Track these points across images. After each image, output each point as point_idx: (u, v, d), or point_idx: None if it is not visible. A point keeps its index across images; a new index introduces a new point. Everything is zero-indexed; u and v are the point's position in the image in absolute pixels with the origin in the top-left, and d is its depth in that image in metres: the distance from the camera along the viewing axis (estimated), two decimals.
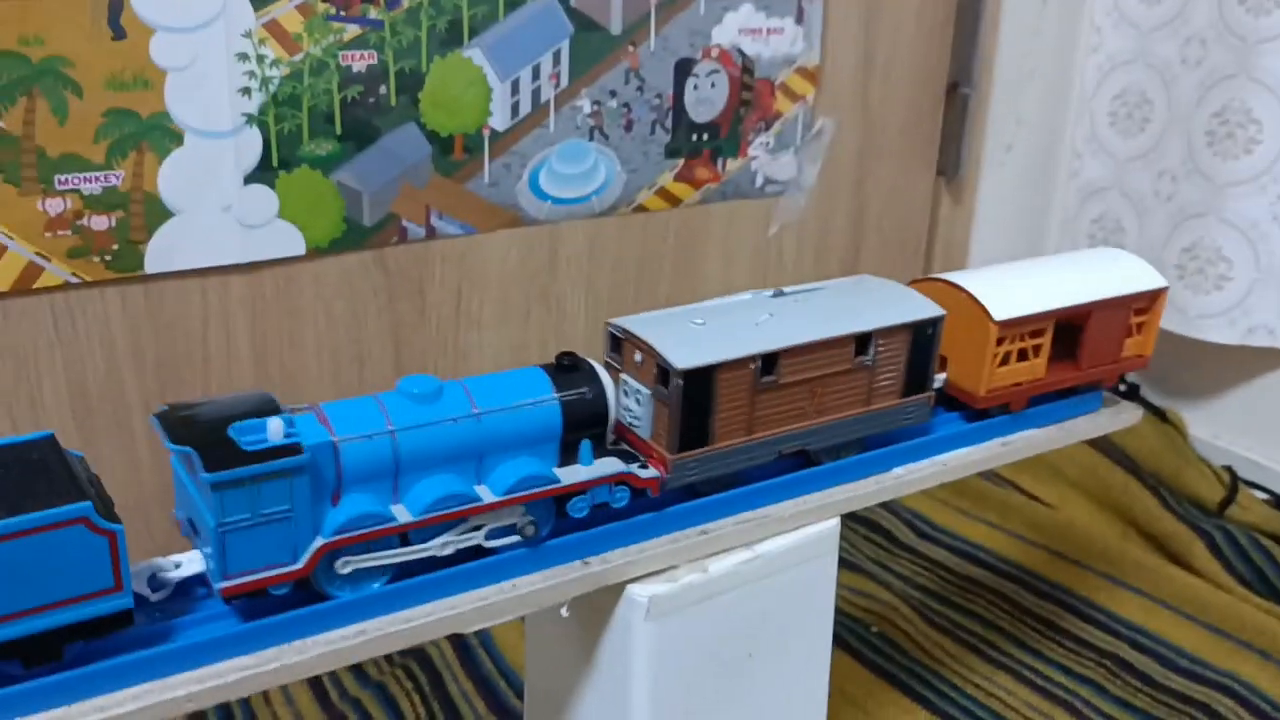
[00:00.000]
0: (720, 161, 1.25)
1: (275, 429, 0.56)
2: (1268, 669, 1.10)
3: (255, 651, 0.58)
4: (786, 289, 0.77)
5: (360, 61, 1.02)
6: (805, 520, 0.73)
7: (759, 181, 1.29)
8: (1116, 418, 0.89)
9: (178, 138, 0.96)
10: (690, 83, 1.20)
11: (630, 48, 1.16)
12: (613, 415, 0.67)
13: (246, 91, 0.98)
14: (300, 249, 1.05)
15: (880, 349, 0.74)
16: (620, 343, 0.71)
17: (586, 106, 1.15)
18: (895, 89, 1.36)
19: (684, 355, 0.66)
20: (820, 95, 1.30)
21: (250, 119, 0.99)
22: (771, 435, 0.71)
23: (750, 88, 1.24)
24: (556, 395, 0.64)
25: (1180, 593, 1.20)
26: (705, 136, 1.23)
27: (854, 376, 0.74)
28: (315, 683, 1.05)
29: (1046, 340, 0.81)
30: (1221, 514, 1.33)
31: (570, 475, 0.64)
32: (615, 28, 1.14)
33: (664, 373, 0.67)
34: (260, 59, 0.98)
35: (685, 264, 1.27)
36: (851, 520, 1.34)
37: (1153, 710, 1.04)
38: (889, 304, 0.76)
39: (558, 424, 0.64)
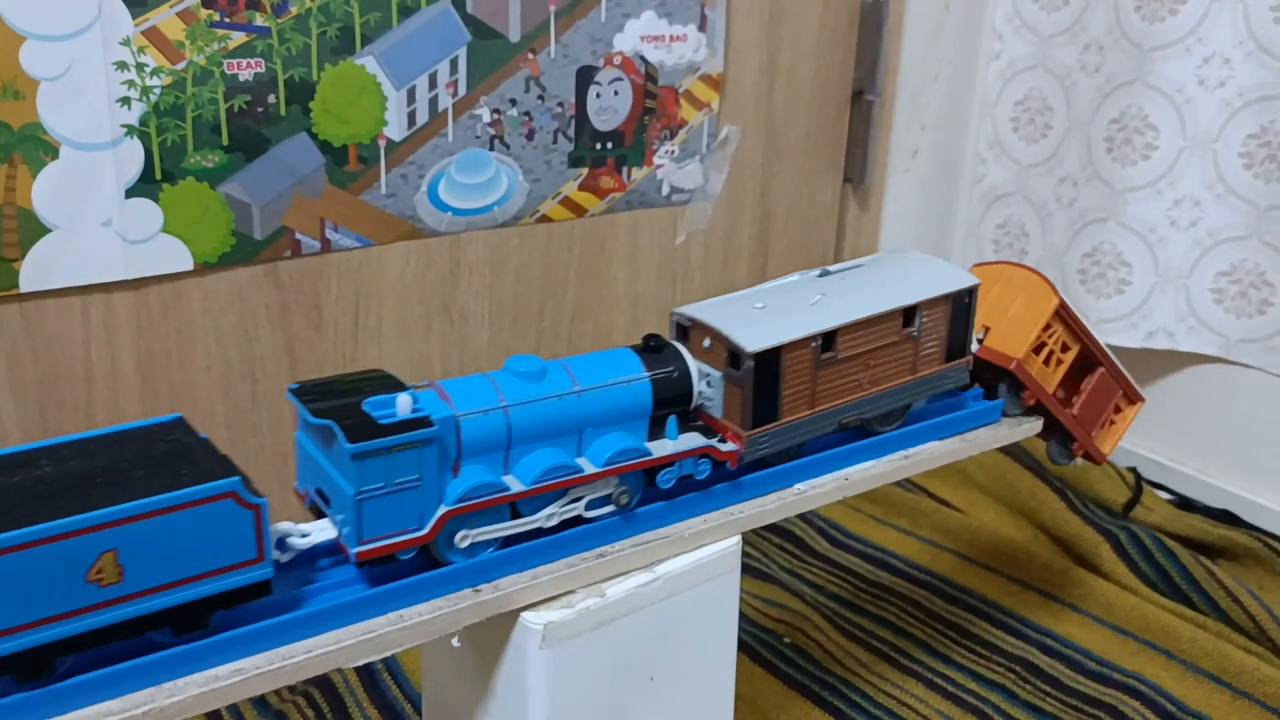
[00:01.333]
0: (625, 170, 1.24)
1: (404, 404, 0.60)
2: (1172, 669, 1.11)
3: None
4: (830, 268, 0.83)
5: (247, 70, 0.99)
6: (706, 539, 0.72)
7: (665, 190, 1.27)
8: (1017, 429, 0.89)
9: (52, 150, 0.92)
10: (592, 91, 1.19)
11: (530, 55, 1.13)
12: (695, 392, 0.71)
13: (126, 101, 0.94)
14: (187, 264, 1.01)
15: (924, 319, 0.81)
16: (687, 331, 0.75)
17: (486, 115, 1.13)
18: (799, 96, 1.35)
19: (753, 339, 0.71)
20: (725, 103, 1.29)
21: (130, 130, 0.95)
22: (831, 407, 0.77)
23: (654, 95, 1.23)
24: (647, 374, 0.69)
25: (1087, 595, 1.21)
26: (609, 145, 1.22)
27: (902, 347, 0.81)
28: (214, 716, 1.02)
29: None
30: (1126, 515, 1.34)
31: (660, 448, 0.69)
32: (514, 35, 1.12)
33: (735, 356, 0.71)
34: (140, 68, 0.94)
35: (591, 274, 1.26)
36: (764, 529, 1.33)
37: (1061, 715, 1.04)
38: (928, 276, 0.82)
39: (648, 401, 0.69)
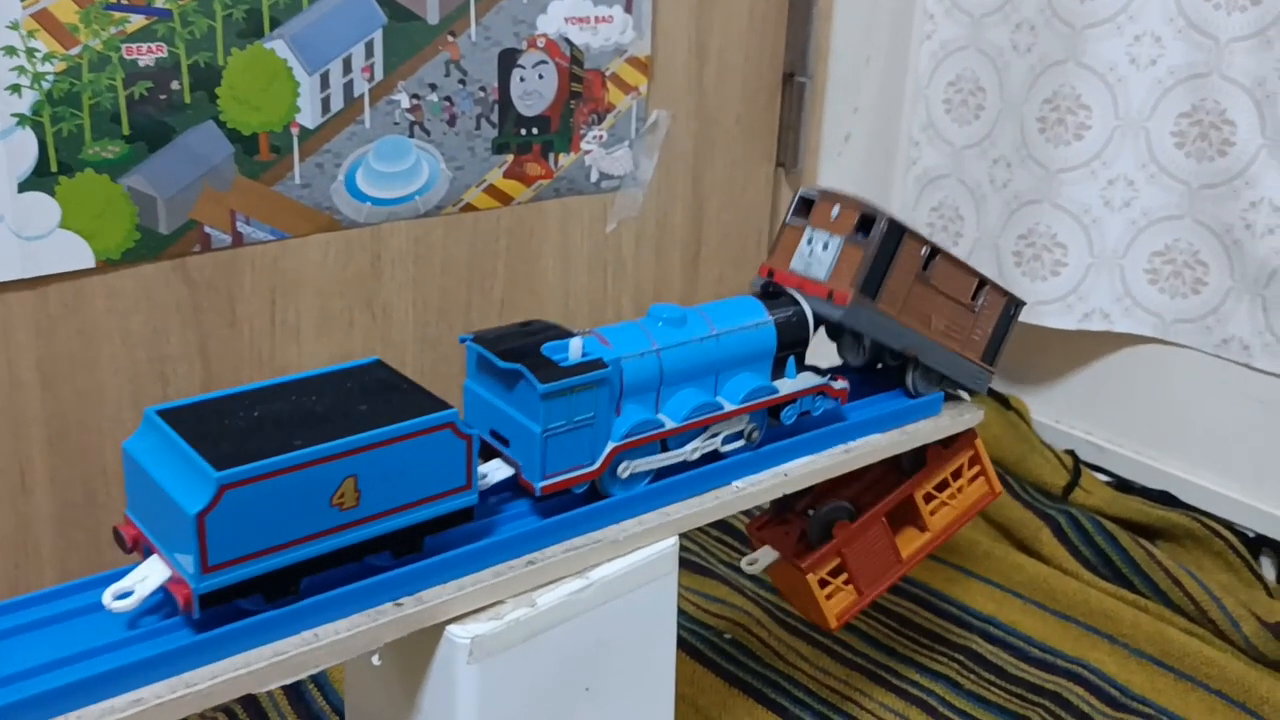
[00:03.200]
0: (552, 157, 1.20)
1: (576, 348, 0.65)
2: (1116, 654, 1.10)
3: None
4: None
5: (148, 55, 0.93)
6: (641, 542, 0.69)
7: (594, 177, 1.24)
8: (958, 419, 0.87)
9: None
10: (516, 74, 1.14)
11: (449, 38, 1.09)
12: (812, 335, 0.77)
13: (16, 89, 0.88)
14: (89, 261, 0.95)
15: (985, 302, 0.86)
16: (811, 204, 0.81)
17: (405, 101, 1.08)
18: (730, 79, 1.32)
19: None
20: (653, 86, 1.25)
21: (22, 120, 0.89)
22: (907, 324, 0.81)
23: (580, 79, 1.19)
24: (771, 318, 0.75)
25: (1029, 581, 1.20)
26: (535, 131, 1.18)
27: (965, 316, 0.85)
28: None
29: None
30: (1066, 498, 1.33)
31: (785, 387, 0.75)
32: (432, 17, 1.07)
33: (867, 221, 0.77)
34: (30, 53, 0.88)
35: (520, 264, 1.22)
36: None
37: (1006, 704, 1.03)
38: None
39: (773, 342, 0.75)
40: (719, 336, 0.72)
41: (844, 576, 0.88)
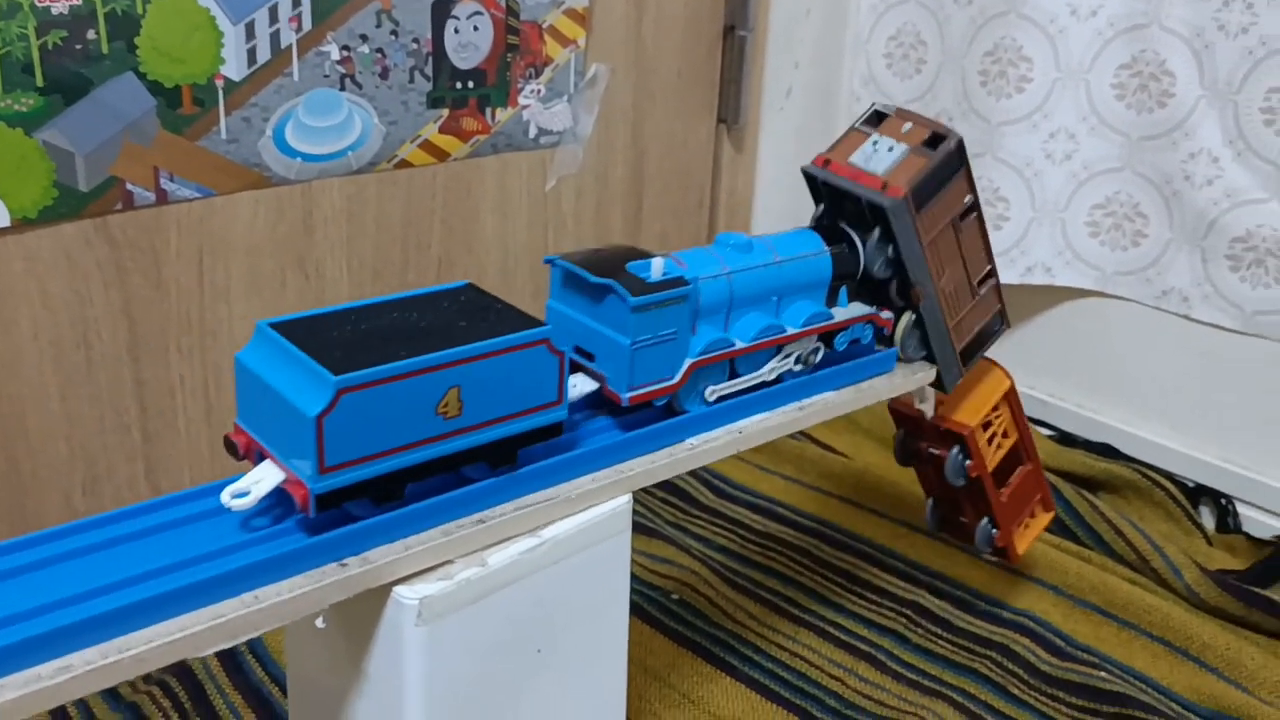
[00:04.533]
0: (489, 111, 1.16)
1: (658, 267, 0.69)
2: (1060, 604, 1.10)
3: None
4: None
5: (61, 2, 0.89)
6: (594, 500, 0.67)
7: (532, 132, 1.21)
8: (912, 377, 0.86)
9: None
10: (450, 25, 1.11)
11: None
12: (863, 267, 0.81)
13: None
14: (3, 220, 0.91)
15: (985, 294, 0.89)
16: (883, 118, 0.84)
17: (335, 53, 1.04)
18: (670, 32, 1.30)
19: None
20: (592, 39, 1.22)
21: None
22: (926, 258, 0.82)
23: (516, 31, 1.16)
24: (828, 248, 0.79)
25: None
26: (470, 84, 1.14)
27: (966, 294, 0.87)
28: (59, 713, 0.93)
29: None
30: None
31: (840, 314, 0.79)
32: None
33: (936, 138, 0.80)
34: None
35: (458, 222, 1.19)
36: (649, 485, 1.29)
37: (953, 656, 1.03)
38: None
39: (829, 272, 0.79)
40: (781, 264, 0.76)
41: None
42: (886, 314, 0.82)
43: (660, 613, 1.08)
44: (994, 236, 1.31)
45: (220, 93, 0.99)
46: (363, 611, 0.60)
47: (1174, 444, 1.30)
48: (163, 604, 0.52)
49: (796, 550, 1.18)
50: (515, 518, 0.63)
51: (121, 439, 1.02)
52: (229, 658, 0.99)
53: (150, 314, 1.01)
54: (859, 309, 0.81)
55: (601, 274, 0.68)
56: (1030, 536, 1.05)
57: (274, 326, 0.59)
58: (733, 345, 0.73)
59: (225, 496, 0.57)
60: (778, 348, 0.76)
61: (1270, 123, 1.16)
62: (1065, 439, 1.36)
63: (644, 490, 1.28)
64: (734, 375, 0.75)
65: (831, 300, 0.80)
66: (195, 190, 1.00)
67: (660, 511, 1.25)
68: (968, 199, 0.84)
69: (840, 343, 0.79)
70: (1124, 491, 1.27)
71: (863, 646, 1.04)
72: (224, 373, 1.07)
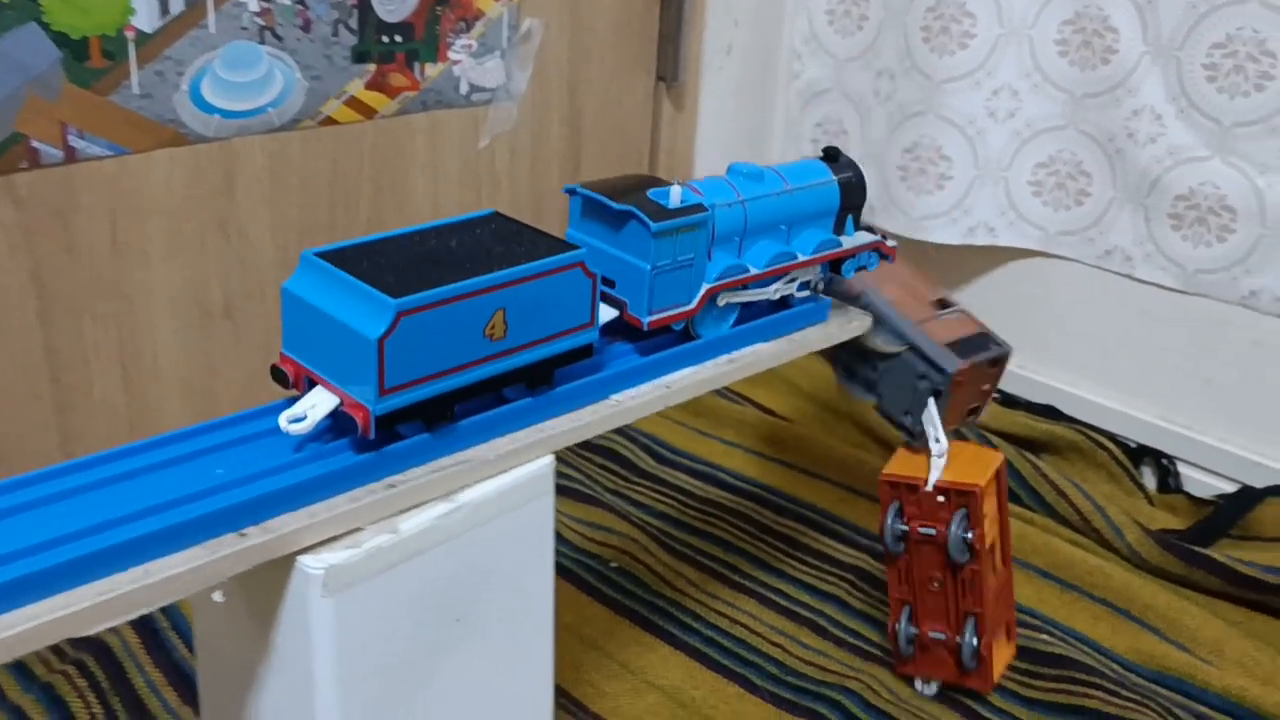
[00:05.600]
0: (417, 67, 1.13)
1: (676, 194, 0.70)
2: None
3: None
4: None
5: None
6: (514, 461, 0.64)
7: (464, 89, 1.17)
8: (846, 326, 0.84)
9: None
10: None
11: None
12: (869, 196, 0.83)
13: None
14: None
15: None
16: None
17: (253, 4, 1.00)
18: None
19: None
20: None
21: None
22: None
23: None
24: (835, 177, 0.79)
25: None
26: (398, 38, 1.10)
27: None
28: None
29: None
30: None
31: (848, 242, 0.81)
32: None
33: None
34: None
35: (387, 182, 1.15)
36: (586, 450, 1.26)
37: None
38: None
39: (837, 201, 0.80)
40: (793, 192, 0.77)
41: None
42: (892, 242, 0.83)
43: (598, 581, 1.05)
44: (936, 196, 1.29)
45: (131, 45, 0.94)
46: (268, 583, 0.57)
47: (1116, 405, 1.29)
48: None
49: (737, 515, 1.16)
50: (428, 482, 0.60)
51: (32, 410, 0.98)
52: (150, 634, 0.96)
53: (61, 279, 0.97)
54: (866, 237, 0.82)
55: (622, 201, 0.69)
56: (1000, 664, 0.95)
57: (320, 256, 0.60)
58: (746, 271, 0.74)
59: (283, 421, 0.58)
60: (782, 275, 0.78)
61: (1213, 79, 1.14)
62: (1008, 401, 1.35)
63: (581, 456, 1.26)
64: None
65: (839, 229, 0.81)
66: (106, 148, 0.96)
67: (599, 478, 1.22)
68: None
69: (848, 270, 0.82)
70: (1066, 453, 1.26)
71: (804, 613, 1.03)
72: (141, 339, 1.03)
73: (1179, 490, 1.25)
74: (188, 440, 0.60)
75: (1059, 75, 1.24)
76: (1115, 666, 0.97)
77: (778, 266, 0.76)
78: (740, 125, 1.46)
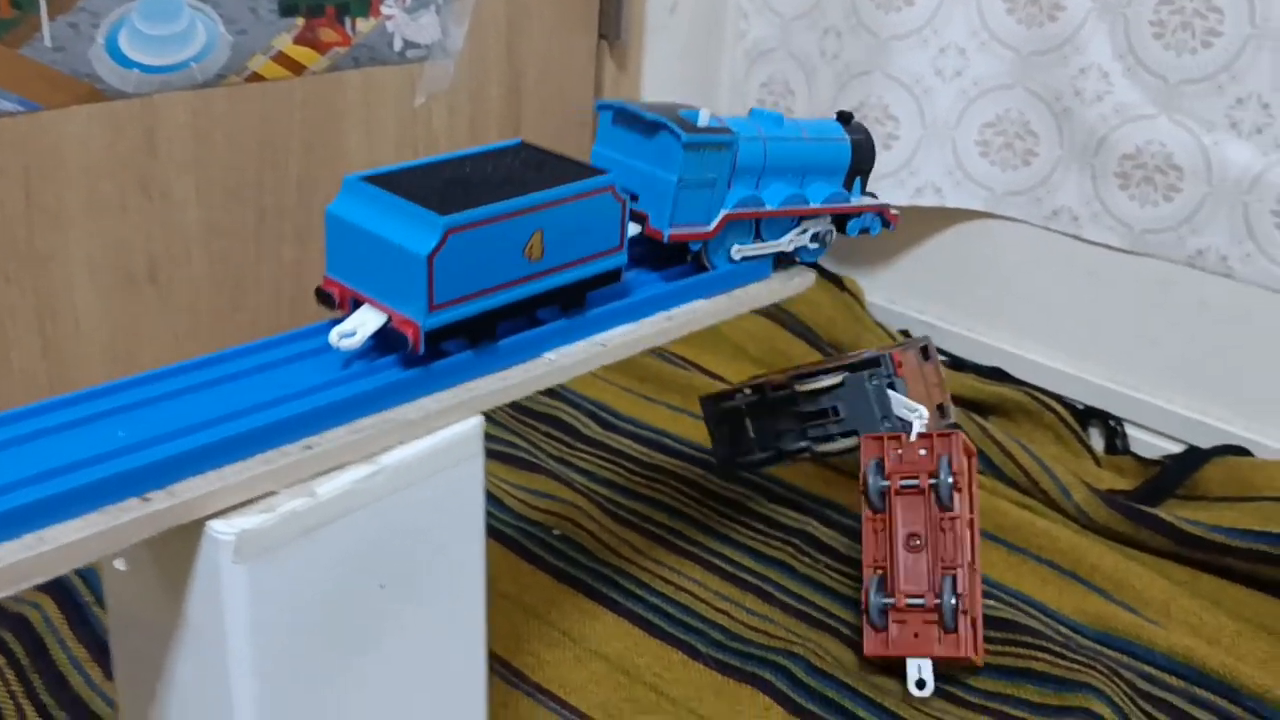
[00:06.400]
0: (348, 21, 1.09)
1: (705, 116, 0.71)
2: None
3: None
4: None
5: None
6: (439, 422, 0.61)
7: (397, 45, 1.13)
8: (789, 283, 0.82)
9: None
10: None
11: None
12: (877, 161, 0.85)
13: None
14: None
15: None
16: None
17: None
18: None
19: None
20: None
21: None
22: None
23: None
24: (849, 136, 0.82)
25: None
26: None
27: None
28: None
29: None
30: None
31: (856, 200, 0.83)
32: None
33: None
34: None
35: (319, 141, 1.11)
36: (529, 417, 1.24)
37: (840, 587, 1.00)
38: None
39: (848, 159, 0.82)
40: (809, 141, 0.79)
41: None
42: (896, 209, 0.86)
43: (540, 549, 1.03)
44: (883, 156, 1.27)
45: None
46: (178, 551, 0.54)
47: (1063, 366, 1.29)
48: None
49: (683, 481, 1.14)
50: (347, 444, 0.57)
51: None
52: (73, 609, 0.93)
53: None
54: (872, 200, 0.85)
55: (654, 113, 0.71)
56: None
57: (365, 180, 0.61)
58: (763, 206, 0.76)
59: (334, 337, 0.60)
60: (797, 221, 0.80)
61: (1160, 35, 1.13)
62: (955, 364, 1.34)
63: (523, 423, 1.23)
64: (758, 239, 0.78)
65: (848, 187, 0.83)
66: (17, 103, 0.91)
67: (542, 445, 1.20)
68: None
69: (852, 228, 0.84)
70: (1014, 414, 1.25)
71: (750, 579, 1.01)
72: (61, 303, 0.99)
73: (1126, 451, 1.25)
74: (93, 401, 0.57)
75: (1006, 33, 1.22)
76: (1062, 628, 0.96)
77: (791, 208, 0.78)
78: (685, 85, 1.44)
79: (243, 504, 0.54)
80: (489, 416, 1.25)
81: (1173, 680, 0.91)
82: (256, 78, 1.04)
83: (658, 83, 1.40)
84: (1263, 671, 0.92)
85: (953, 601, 0.85)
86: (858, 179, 0.84)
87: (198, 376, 0.60)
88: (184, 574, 0.55)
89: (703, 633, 0.94)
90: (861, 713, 0.86)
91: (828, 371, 0.97)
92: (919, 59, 1.25)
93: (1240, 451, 1.18)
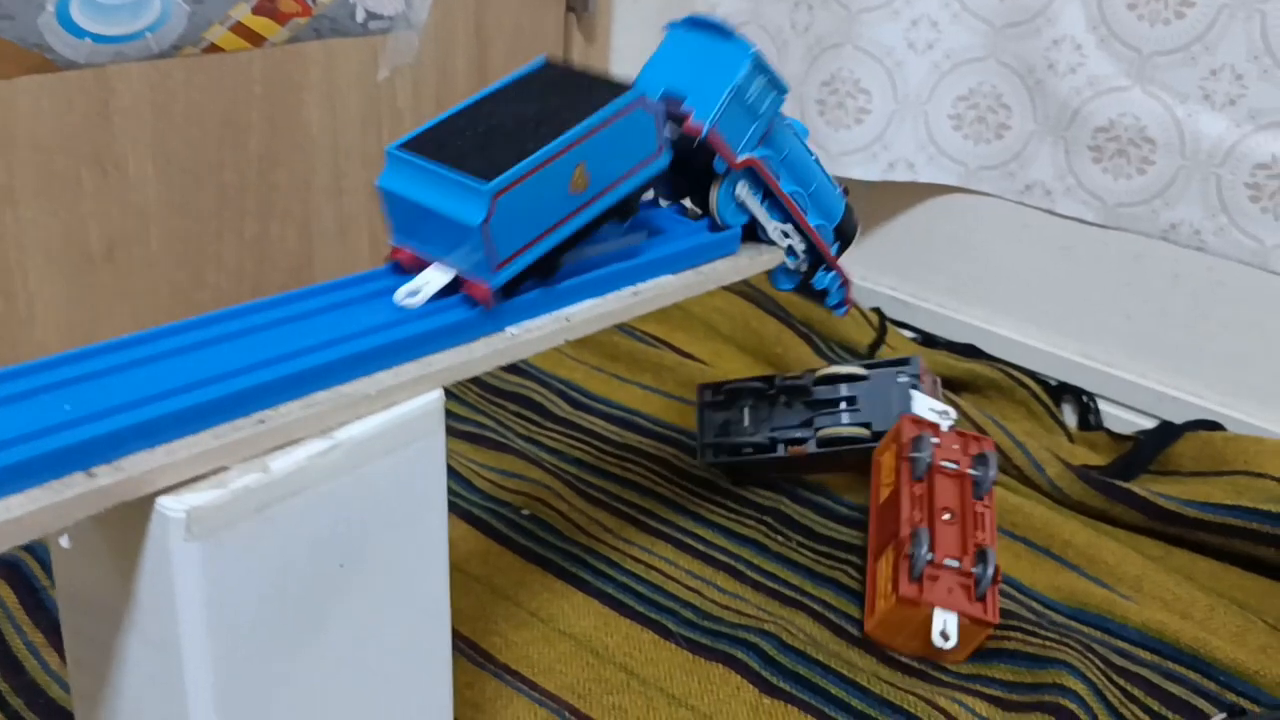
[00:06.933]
0: None
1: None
2: None
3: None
4: None
5: None
6: (398, 396, 0.59)
7: (360, 16, 1.11)
8: (758, 259, 0.80)
9: None
10: None
11: None
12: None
13: None
14: None
15: None
16: None
17: None
18: None
19: None
20: None
21: None
22: None
23: None
24: (847, 198, 0.88)
25: None
26: None
27: None
28: None
29: None
30: (872, 356, 1.30)
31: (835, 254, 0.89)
32: None
33: None
34: None
35: (280, 116, 1.09)
36: (498, 397, 1.22)
37: (813, 565, 0.99)
38: None
39: (841, 211, 0.87)
40: (821, 168, 0.84)
41: None
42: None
43: (509, 529, 1.01)
44: (855, 131, 1.26)
45: None
46: (128, 529, 0.53)
47: (1036, 342, 1.28)
48: None
49: (654, 460, 1.13)
50: (301, 418, 0.55)
51: None
52: (29, 593, 0.90)
53: None
54: (844, 268, 0.90)
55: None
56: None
57: (403, 149, 0.62)
58: (777, 177, 0.79)
59: (400, 295, 0.62)
60: (791, 222, 0.83)
61: (1133, 6, 1.12)
62: (927, 340, 1.33)
63: (494, 403, 1.21)
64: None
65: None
66: None
67: (511, 424, 1.18)
68: None
69: (820, 280, 0.88)
70: (987, 391, 1.25)
71: (722, 557, 1.00)
72: (13, 284, 0.96)
73: (1099, 427, 1.24)
74: (38, 374, 0.55)
75: (978, 4, 1.21)
76: (1035, 604, 0.96)
77: (793, 201, 0.80)
78: None
79: (193, 480, 0.52)
80: (457, 396, 1.23)
81: (1146, 655, 0.91)
82: (214, 49, 1.02)
83: (626, 55, 1.38)
84: (1235, 645, 0.91)
85: (990, 571, 0.86)
86: (839, 242, 0.87)
87: (147, 349, 0.58)
88: (134, 552, 0.53)
89: (674, 612, 0.93)
90: (834, 690, 0.85)
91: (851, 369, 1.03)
92: (890, 31, 1.23)
93: (1213, 426, 1.17)
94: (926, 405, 0.96)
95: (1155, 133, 1.13)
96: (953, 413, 0.96)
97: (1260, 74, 1.07)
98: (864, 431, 1.01)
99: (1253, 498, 1.03)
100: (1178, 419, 1.19)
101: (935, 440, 0.93)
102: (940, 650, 0.86)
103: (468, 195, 0.60)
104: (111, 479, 0.49)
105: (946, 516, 0.90)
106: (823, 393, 1.03)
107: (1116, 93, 1.14)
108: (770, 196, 0.80)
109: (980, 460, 0.92)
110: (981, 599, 0.87)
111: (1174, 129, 1.12)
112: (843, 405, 1.01)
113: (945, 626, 0.86)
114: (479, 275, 0.62)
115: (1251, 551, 1.01)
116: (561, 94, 0.66)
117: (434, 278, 0.63)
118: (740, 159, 0.75)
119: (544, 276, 0.66)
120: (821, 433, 1.01)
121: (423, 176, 0.61)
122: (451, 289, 0.64)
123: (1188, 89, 1.11)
